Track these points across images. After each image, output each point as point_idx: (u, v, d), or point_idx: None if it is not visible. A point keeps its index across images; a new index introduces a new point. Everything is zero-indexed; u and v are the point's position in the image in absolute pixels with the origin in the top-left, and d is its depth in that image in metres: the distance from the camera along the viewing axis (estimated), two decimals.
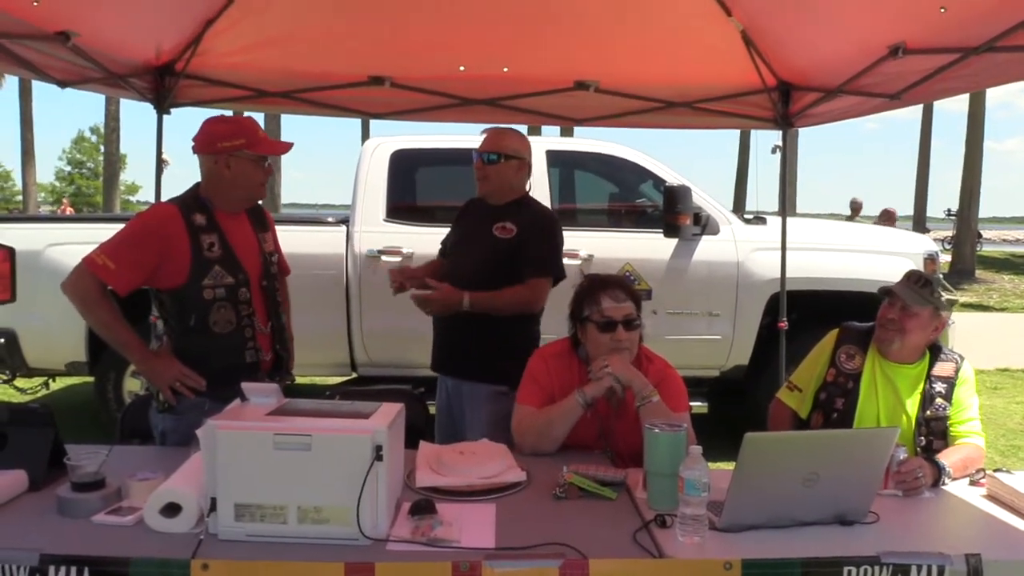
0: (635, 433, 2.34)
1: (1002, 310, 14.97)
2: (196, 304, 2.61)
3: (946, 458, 2.44)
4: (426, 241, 4.36)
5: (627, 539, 1.89)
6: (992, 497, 2.28)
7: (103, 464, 2.03)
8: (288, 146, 2.84)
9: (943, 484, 2.36)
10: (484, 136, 3.29)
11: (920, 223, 25.95)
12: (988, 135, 22.17)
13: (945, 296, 2.70)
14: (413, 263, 4.49)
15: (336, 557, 1.72)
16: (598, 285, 2.68)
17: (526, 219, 3.20)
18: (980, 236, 25.37)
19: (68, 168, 52.47)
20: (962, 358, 2.78)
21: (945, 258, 16.88)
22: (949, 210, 22.88)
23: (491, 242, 3.17)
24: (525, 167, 3.27)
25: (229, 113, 3.23)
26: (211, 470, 1.81)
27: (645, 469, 2.16)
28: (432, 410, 3.34)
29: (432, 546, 1.80)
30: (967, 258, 20.70)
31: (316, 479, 1.80)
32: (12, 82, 31.88)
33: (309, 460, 1.80)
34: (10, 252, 5.02)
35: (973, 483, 2.39)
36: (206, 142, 2.66)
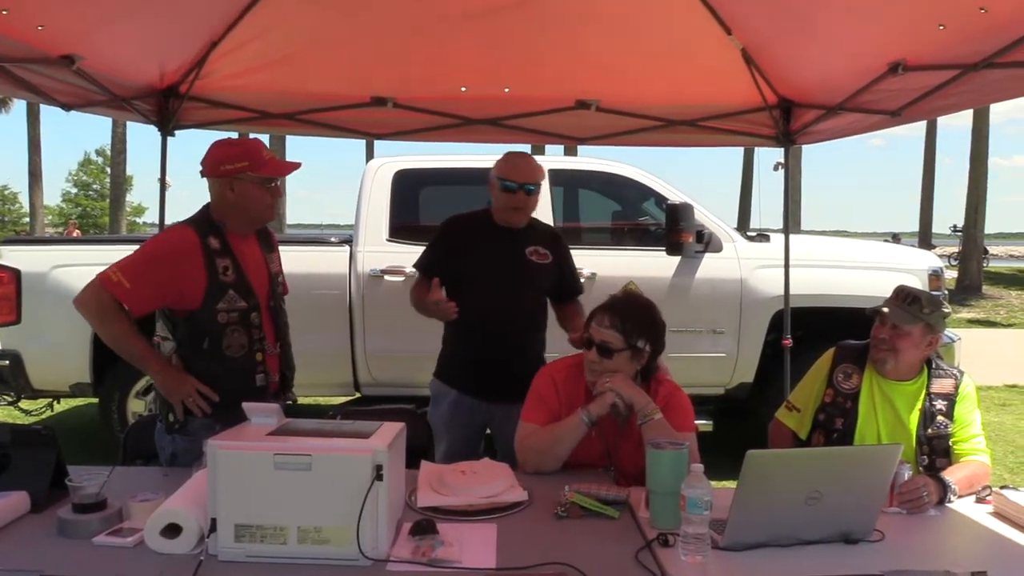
0: (640, 452, 2.33)
1: (1009, 326, 14.90)
2: (210, 328, 2.61)
3: (951, 475, 2.42)
4: None
5: (629, 558, 1.88)
6: (999, 514, 2.26)
7: (104, 485, 2.03)
8: (293, 166, 2.82)
9: (949, 502, 2.34)
10: (509, 164, 3.15)
11: (926, 239, 25.91)
12: (995, 151, 22.32)
13: (936, 311, 2.67)
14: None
15: None
16: (601, 307, 2.67)
17: (552, 242, 3.31)
18: (987, 252, 25.32)
19: (75, 190, 52.90)
20: (961, 373, 2.75)
21: (951, 274, 16.87)
22: (955, 226, 22.88)
23: (533, 271, 3.21)
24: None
25: (234, 135, 3.24)
26: (212, 490, 1.81)
27: (647, 487, 2.15)
28: None
29: (433, 566, 1.79)
30: (973, 274, 20.65)
31: (316, 499, 1.80)
32: (20, 106, 32.25)
33: (309, 480, 1.80)
34: (16, 274, 5.04)
35: (979, 500, 2.37)
36: (211, 165, 2.68)
